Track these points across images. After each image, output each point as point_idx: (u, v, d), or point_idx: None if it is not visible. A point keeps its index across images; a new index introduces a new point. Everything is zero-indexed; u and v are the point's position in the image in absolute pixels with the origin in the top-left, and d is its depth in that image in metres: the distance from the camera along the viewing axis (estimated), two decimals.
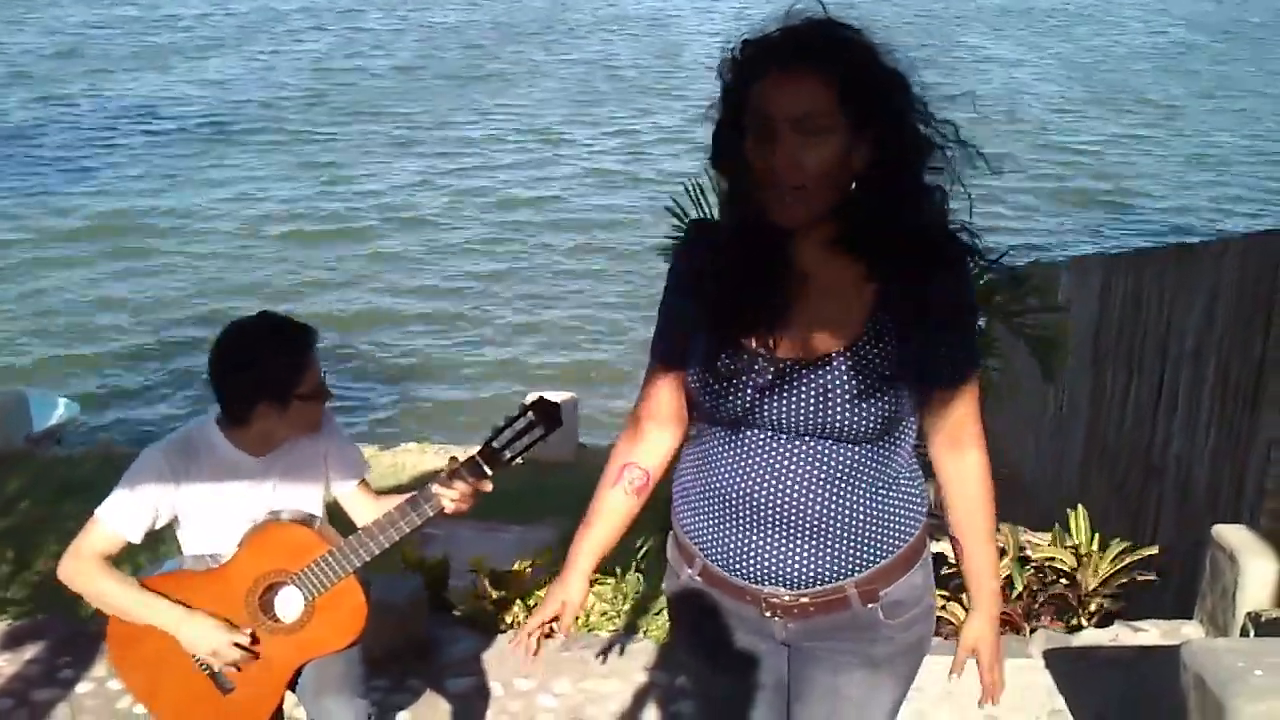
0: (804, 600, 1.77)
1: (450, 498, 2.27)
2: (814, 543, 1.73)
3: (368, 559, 2.33)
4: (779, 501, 1.72)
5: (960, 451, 1.82)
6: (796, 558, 1.74)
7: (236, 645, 2.34)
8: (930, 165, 1.66)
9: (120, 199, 17.12)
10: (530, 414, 2.18)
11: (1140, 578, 4.00)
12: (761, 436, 1.73)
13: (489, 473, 2.23)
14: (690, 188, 4.35)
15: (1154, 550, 4.08)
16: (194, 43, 29.24)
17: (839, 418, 1.67)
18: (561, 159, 19.92)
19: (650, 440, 1.91)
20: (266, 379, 2.31)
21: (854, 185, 1.63)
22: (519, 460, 2.24)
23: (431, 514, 2.31)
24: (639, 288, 13.47)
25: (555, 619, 1.94)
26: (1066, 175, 19.17)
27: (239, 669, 2.38)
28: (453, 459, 2.28)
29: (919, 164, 1.65)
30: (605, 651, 3.69)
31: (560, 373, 11.82)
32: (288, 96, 23.57)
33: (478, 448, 2.22)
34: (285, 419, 2.35)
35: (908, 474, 1.79)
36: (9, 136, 20.12)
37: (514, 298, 14.11)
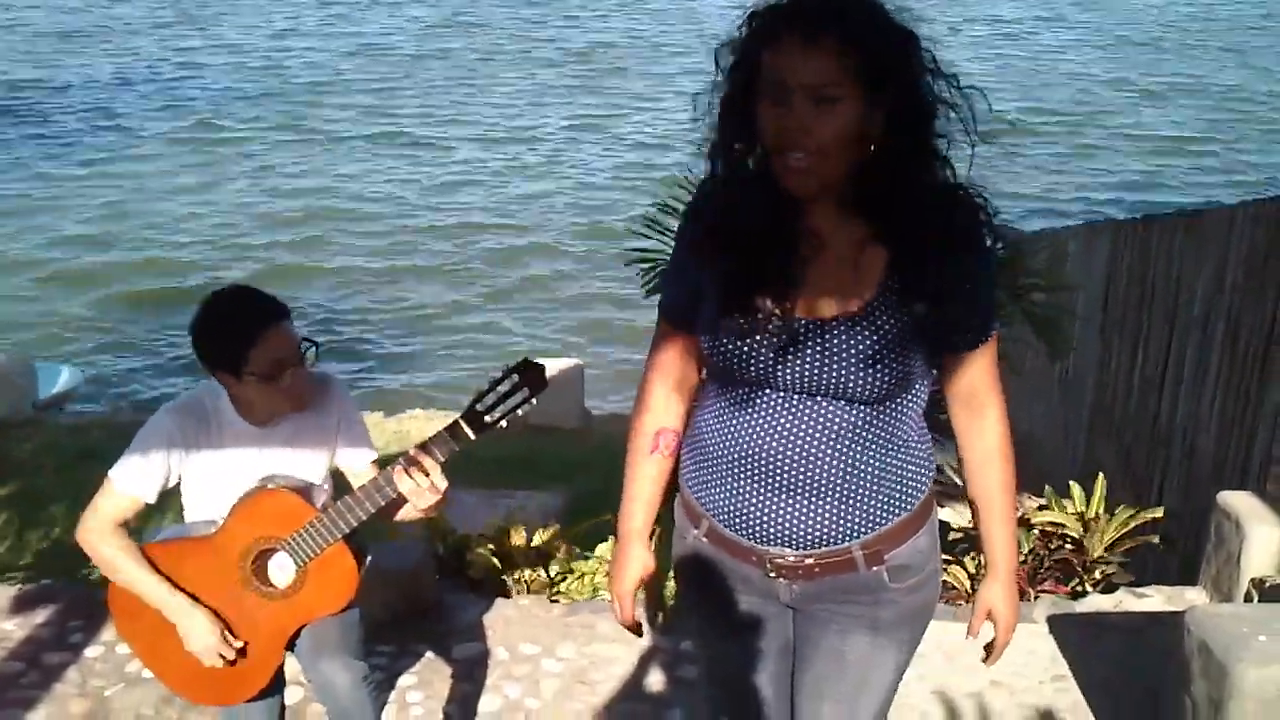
0: (809, 561, 1.77)
1: (427, 466, 2.23)
2: (820, 503, 1.73)
3: (355, 524, 2.33)
4: (787, 461, 1.72)
5: (978, 414, 1.82)
6: (802, 518, 1.74)
7: (221, 656, 2.37)
8: (941, 127, 1.64)
9: (135, 174, 17.10)
10: (515, 376, 2.16)
11: (1144, 538, 4.00)
12: (772, 397, 1.73)
13: (472, 436, 2.21)
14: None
15: (1159, 512, 4.07)
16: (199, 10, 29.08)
17: (850, 378, 1.67)
18: (581, 130, 19.89)
19: (671, 401, 1.93)
20: (216, 352, 2.30)
21: (871, 149, 1.62)
22: (503, 424, 2.21)
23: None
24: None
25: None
26: (1080, 145, 19.01)
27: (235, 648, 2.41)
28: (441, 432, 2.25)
29: (932, 126, 1.64)
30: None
31: (571, 341, 11.82)
32: (304, 81, 23.40)
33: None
34: (260, 391, 2.32)
35: (917, 436, 1.79)
36: (19, 116, 20.05)
37: (524, 267, 14.08)
